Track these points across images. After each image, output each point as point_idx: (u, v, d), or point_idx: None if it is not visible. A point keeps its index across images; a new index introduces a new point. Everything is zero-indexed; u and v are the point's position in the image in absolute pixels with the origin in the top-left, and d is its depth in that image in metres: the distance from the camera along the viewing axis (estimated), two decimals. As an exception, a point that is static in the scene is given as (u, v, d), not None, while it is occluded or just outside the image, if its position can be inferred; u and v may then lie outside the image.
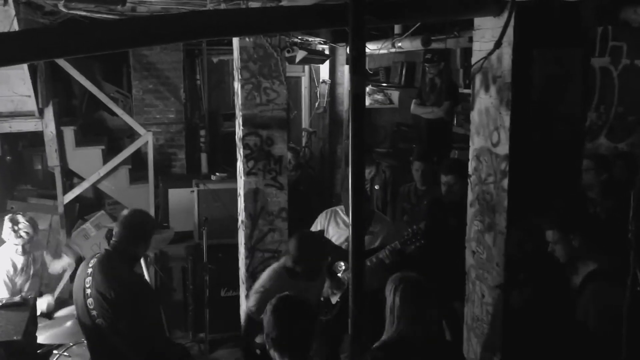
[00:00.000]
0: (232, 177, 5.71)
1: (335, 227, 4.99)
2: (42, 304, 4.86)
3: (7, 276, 4.86)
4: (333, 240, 4.97)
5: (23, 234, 4.79)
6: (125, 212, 3.84)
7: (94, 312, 3.45)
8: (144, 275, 5.20)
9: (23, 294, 4.65)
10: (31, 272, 5.04)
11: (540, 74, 3.27)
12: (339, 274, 4.86)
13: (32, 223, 4.87)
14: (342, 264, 4.83)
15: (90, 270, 3.53)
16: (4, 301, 4.08)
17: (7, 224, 4.78)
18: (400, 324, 2.90)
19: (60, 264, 5.36)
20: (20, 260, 4.92)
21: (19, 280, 4.95)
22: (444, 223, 4.90)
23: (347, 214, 4.87)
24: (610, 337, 2.94)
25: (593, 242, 3.20)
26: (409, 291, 2.92)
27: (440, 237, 4.78)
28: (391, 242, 4.72)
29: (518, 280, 3.26)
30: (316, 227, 5.08)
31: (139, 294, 3.52)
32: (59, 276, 6.15)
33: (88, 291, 3.47)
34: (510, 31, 3.21)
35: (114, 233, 3.65)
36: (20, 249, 4.84)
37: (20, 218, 4.80)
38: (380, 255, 4.61)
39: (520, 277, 3.24)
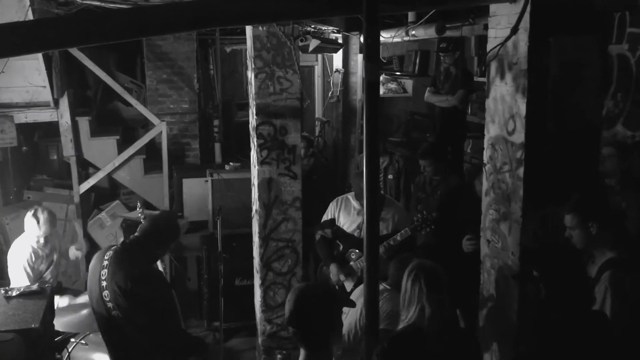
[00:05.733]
0: (246, 166, 5.71)
1: (346, 215, 5.01)
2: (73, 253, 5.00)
3: (28, 264, 4.95)
4: (344, 227, 4.98)
5: (44, 230, 4.92)
6: (158, 212, 3.88)
7: (110, 304, 3.46)
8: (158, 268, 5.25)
9: (42, 282, 4.72)
10: (51, 259, 5.13)
11: (557, 61, 3.23)
12: (351, 263, 4.86)
13: (52, 218, 4.99)
14: (353, 251, 4.84)
15: (105, 262, 3.53)
16: (22, 289, 4.13)
17: (31, 221, 4.91)
18: (413, 312, 2.89)
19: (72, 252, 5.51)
20: (39, 249, 5.02)
21: (39, 268, 5.04)
22: (456, 213, 4.88)
23: (358, 200, 4.89)
24: (628, 325, 2.92)
25: (611, 230, 3.17)
26: (422, 279, 2.92)
27: (452, 227, 4.76)
28: (403, 228, 4.72)
29: (534, 276, 3.24)
30: (327, 215, 5.10)
31: (155, 286, 3.54)
32: (77, 264, 6.23)
33: (104, 283, 3.48)
34: (526, 17, 3.17)
35: (139, 228, 3.67)
36: (42, 239, 4.95)
37: (41, 216, 4.92)
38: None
39: (537, 272, 3.22)
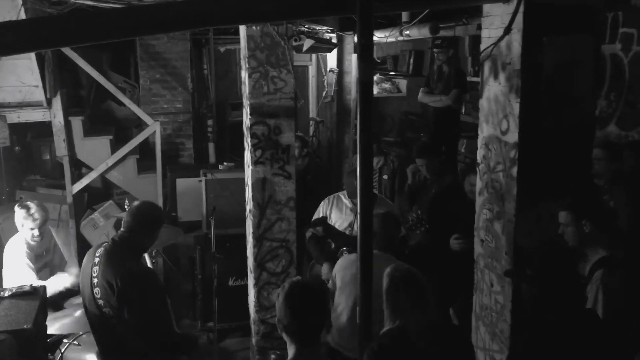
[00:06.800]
0: (240, 166, 5.69)
1: (338, 213, 5.03)
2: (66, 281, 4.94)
3: (28, 261, 4.91)
4: (336, 225, 5.00)
5: (37, 217, 4.87)
6: (135, 202, 3.85)
7: (101, 302, 3.45)
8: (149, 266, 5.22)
9: (36, 283, 4.69)
10: (47, 259, 5.11)
11: (550, 60, 3.24)
12: None
13: (43, 207, 4.95)
14: (346, 249, 4.84)
15: (97, 259, 3.53)
16: (14, 290, 4.11)
17: (19, 211, 4.86)
18: (397, 316, 2.89)
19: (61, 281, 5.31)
20: (35, 246, 4.98)
21: (37, 266, 5.01)
22: (447, 212, 4.89)
23: (351, 198, 4.91)
24: (619, 323, 2.94)
25: (603, 229, 3.19)
26: (400, 285, 2.91)
27: (445, 227, 4.77)
28: None
29: (527, 276, 3.25)
30: (319, 213, 5.11)
31: (146, 283, 3.52)
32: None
33: (95, 280, 3.48)
34: (519, 17, 3.18)
35: (122, 223, 3.66)
36: (36, 232, 4.91)
37: (30, 204, 4.88)
38: None
39: (528, 272, 3.23)
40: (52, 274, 5.24)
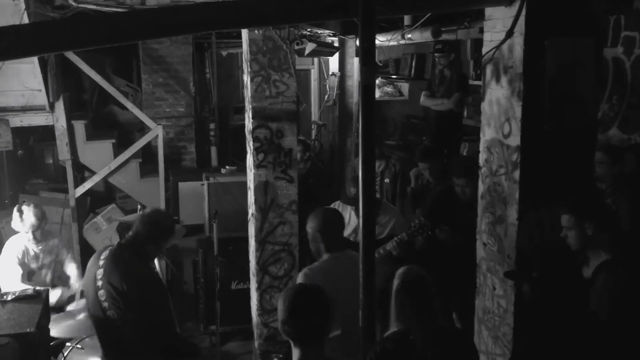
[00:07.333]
0: (242, 170, 5.71)
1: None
2: (54, 296, 4.94)
3: (18, 260, 4.94)
4: None
5: (29, 223, 4.90)
6: (148, 210, 3.87)
7: (105, 304, 3.47)
8: (155, 270, 5.23)
9: (35, 287, 4.70)
10: (46, 261, 5.12)
11: (552, 63, 3.24)
12: None
13: (37, 211, 4.97)
14: None
15: (102, 262, 3.55)
16: (17, 294, 4.12)
17: (15, 215, 4.92)
18: (402, 320, 2.88)
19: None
20: (32, 248, 5.01)
21: (31, 267, 5.02)
22: (448, 216, 4.89)
23: (346, 204, 4.91)
24: (623, 327, 2.93)
25: (606, 232, 3.18)
26: (410, 286, 2.91)
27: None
28: (399, 232, 4.72)
29: (532, 278, 3.25)
30: None
31: (150, 287, 3.54)
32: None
33: (99, 283, 3.49)
34: (521, 21, 3.18)
35: (132, 228, 3.67)
36: (30, 236, 4.95)
37: (25, 208, 4.93)
38: (388, 247, 4.61)
39: (533, 275, 3.23)
40: (53, 276, 5.25)
